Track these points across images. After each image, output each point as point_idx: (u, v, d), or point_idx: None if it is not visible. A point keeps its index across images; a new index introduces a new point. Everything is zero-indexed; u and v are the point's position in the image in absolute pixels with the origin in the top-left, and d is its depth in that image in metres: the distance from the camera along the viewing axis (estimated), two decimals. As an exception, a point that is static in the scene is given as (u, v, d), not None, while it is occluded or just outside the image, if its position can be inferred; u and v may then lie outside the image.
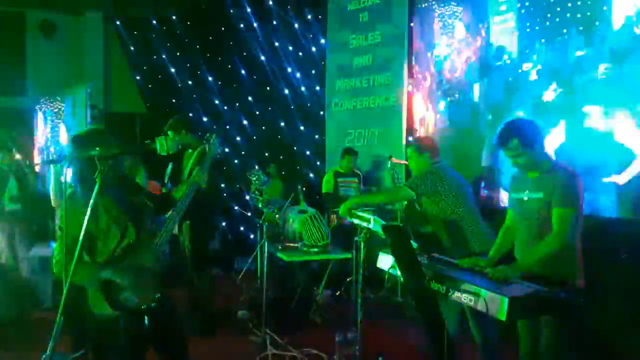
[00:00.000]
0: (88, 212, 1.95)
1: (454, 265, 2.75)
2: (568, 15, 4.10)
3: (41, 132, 7.95)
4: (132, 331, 2.27)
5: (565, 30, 4.11)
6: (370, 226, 3.18)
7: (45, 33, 8.53)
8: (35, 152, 7.79)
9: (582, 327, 2.88)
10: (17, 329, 4.16)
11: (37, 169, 5.65)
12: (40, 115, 8.05)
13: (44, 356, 2.01)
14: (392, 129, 6.11)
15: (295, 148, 7.66)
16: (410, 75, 6.06)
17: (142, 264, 2.32)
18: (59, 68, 8.44)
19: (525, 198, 2.65)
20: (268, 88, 7.82)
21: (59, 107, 7.45)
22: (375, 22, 6.36)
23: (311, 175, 7.30)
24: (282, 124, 7.79)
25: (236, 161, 7.81)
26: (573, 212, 2.47)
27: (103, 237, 2.26)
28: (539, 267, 2.51)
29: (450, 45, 5.48)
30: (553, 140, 4.12)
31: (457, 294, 2.40)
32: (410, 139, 5.86)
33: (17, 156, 5.09)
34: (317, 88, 7.34)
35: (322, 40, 7.16)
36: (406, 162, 5.80)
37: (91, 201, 1.96)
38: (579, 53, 4.00)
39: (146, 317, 2.31)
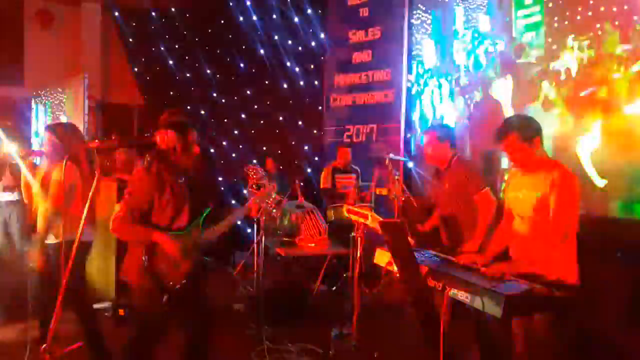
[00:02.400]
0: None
1: (450, 262, 2.77)
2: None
3: (41, 123, 7.91)
4: (152, 303, 2.45)
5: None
6: (368, 222, 3.19)
7: (43, 23, 8.47)
8: (35, 143, 7.77)
9: (578, 325, 2.90)
10: (16, 320, 4.15)
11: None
12: (40, 107, 8.01)
13: (43, 346, 2.02)
14: (390, 125, 6.11)
15: (293, 143, 7.65)
16: (409, 71, 6.06)
17: (186, 249, 2.49)
18: (57, 58, 8.40)
19: (522, 197, 2.65)
20: (267, 82, 7.80)
21: (60, 98, 7.41)
22: (375, 17, 6.35)
23: (309, 170, 7.30)
24: (281, 118, 7.77)
25: (234, 155, 7.80)
26: (571, 212, 2.49)
27: (160, 210, 2.45)
28: (535, 266, 2.52)
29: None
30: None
31: (453, 291, 2.41)
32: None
33: (12, 146, 5.07)
34: (316, 83, 7.33)
35: (322, 35, 7.15)
36: (403, 159, 5.83)
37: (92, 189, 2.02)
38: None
39: (165, 296, 2.46)
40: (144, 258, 2.41)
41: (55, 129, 3.32)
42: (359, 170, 5.84)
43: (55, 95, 7.63)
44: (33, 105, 8.31)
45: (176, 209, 2.49)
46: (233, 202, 7.59)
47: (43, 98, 7.90)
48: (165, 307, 2.47)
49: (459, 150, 3.56)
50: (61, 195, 3.07)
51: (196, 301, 2.69)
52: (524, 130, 2.58)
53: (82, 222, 2.04)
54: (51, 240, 3.28)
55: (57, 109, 7.61)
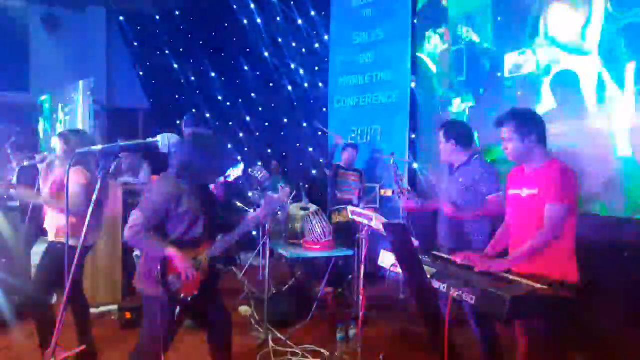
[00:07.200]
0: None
1: (454, 263, 2.76)
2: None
3: (46, 129, 7.96)
4: (163, 314, 2.47)
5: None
6: (372, 224, 3.18)
7: (48, 28, 8.53)
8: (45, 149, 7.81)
9: (581, 325, 2.88)
10: (21, 323, 4.18)
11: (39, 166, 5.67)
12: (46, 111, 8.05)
13: (47, 350, 2.03)
14: (395, 126, 6.11)
15: (298, 144, 7.66)
16: (414, 72, 6.04)
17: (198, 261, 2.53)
18: (62, 63, 8.45)
19: (523, 195, 2.63)
20: (271, 84, 7.82)
21: (67, 102, 7.46)
22: (378, 18, 6.34)
23: (314, 171, 7.31)
24: (285, 120, 7.79)
25: (239, 157, 7.82)
26: (565, 207, 2.45)
27: (175, 221, 2.46)
28: (528, 261, 2.51)
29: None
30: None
31: (458, 292, 2.40)
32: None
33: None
34: (320, 84, 7.34)
35: (326, 37, 7.15)
36: (408, 161, 5.82)
37: (95, 194, 2.02)
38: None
39: (178, 308, 2.52)
40: (157, 269, 2.43)
41: (65, 135, 3.42)
42: (362, 172, 5.81)
43: (60, 100, 7.68)
44: (39, 110, 8.37)
45: (192, 219, 2.49)
46: (238, 203, 7.59)
47: (53, 104, 7.95)
48: (177, 317, 2.52)
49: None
50: (63, 198, 3.13)
51: (211, 308, 2.74)
52: (521, 123, 2.54)
53: (86, 225, 2.04)
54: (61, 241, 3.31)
55: (63, 114, 7.65)
